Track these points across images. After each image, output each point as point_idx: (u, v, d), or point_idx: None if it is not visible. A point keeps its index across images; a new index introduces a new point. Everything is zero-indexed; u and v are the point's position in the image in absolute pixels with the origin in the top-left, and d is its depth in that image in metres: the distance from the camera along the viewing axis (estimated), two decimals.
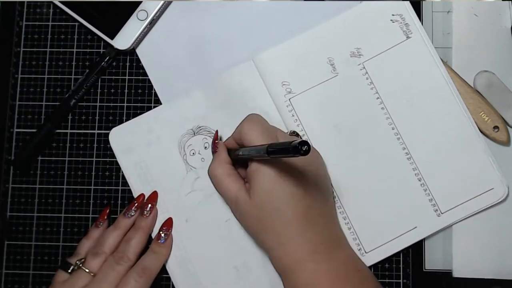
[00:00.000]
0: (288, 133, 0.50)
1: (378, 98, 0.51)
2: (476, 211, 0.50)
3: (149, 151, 0.52)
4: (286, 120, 0.52)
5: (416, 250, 0.51)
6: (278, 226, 0.44)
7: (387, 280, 0.51)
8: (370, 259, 0.50)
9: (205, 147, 0.52)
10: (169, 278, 0.51)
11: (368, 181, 0.51)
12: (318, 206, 0.45)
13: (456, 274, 0.50)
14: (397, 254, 0.51)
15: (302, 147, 0.36)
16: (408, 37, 0.52)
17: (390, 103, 0.51)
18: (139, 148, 0.52)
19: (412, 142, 0.51)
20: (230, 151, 0.48)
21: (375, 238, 0.50)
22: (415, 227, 0.50)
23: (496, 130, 0.50)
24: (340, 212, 0.50)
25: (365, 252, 0.50)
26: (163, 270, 0.51)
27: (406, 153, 0.51)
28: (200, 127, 0.52)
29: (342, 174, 0.51)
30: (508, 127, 0.51)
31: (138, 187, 0.52)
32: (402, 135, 0.51)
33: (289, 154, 0.38)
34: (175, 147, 0.52)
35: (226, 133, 0.51)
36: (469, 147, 0.50)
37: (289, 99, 0.52)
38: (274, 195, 0.44)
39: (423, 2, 0.54)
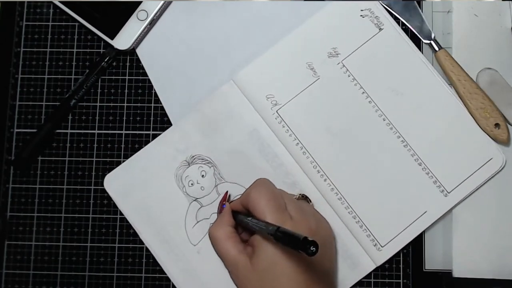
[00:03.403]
0: (297, 197, 0.50)
1: (363, 92, 0.52)
2: (481, 183, 0.50)
3: (147, 191, 0.52)
4: (277, 132, 0.52)
5: (416, 250, 0.51)
6: None
7: (387, 280, 0.51)
8: (387, 253, 0.50)
9: (202, 176, 0.52)
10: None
11: (371, 176, 0.51)
12: (320, 281, 0.45)
13: (456, 274, 0.50)
14: (397, 254, 0.51)
15: (310, 247, 0.37)
16: (380, 29, 0.52)
17: (376, 95, 0.52)
18: (136, 189, 0.52)
19: (405, 130, 0.51)
20: (236, 214, 0.48)
21: (388, 230, 0.50)
22: (425, 212, 0.50)
23: (497, 127, 0.50)
24: (348, 212, 0.50)
25: (381, 246, 0.50)
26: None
27: (402, 141, 0.51)
28: (193, 156, 0.52)
29: (344, 174, 0.51)
30: (509, 126, 0.51)
31: (143, 228, 0.51)
32: (394, 124, 0.51)
33: (295, 248, 0.38)
34: (173, 181, 0.52)
35: (221, 160, 0.52)
36: (461, 123, 0.51)
37: (277, 111, 0.52)
38: (277, 267, 0.43)
39: (423, 2, 0.54)
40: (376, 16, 0.53)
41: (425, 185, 0.51)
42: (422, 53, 0.53)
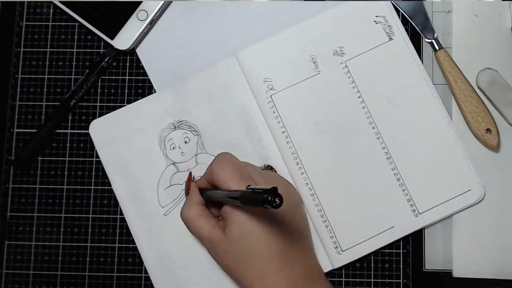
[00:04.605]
0: (262, 168, 0.50)
1: (359, 97, 0.52)
2: (454, 212, 0.50)
3: (129, 144, 0.52)
4: (267, 116, 0.52)
5: (416, 250, 0.51)
6: (256, 263, 0.44)
7: (387, 280, 0.51)
8: (346, 258, 0.50)
9: (185, 142, 0.52)
10: (148, 278, 0.51)
11: (347, 180, 0.51)
12: (295, 242, 0.45)
13: (456, 274, 0.50)
14: (397, 254, 0.51)
15: (274, 201, 0.36)
16: (390, 39, 0.52)
17: (371, 102, 0.52)
18: (118, 140, 0.52)
19: (392, 142, 0.51)
20: (202, 191, 0.48)
21: (352, 237, 0.50)
22: (392, 227, 0.50)
23: (488, 133, 0.50)
24: (318, 210, 0.51)
25: (342, 250, 0.50)
26: (145, 270, 0.51)
27: (386, 152, 0.51)
28: (181, 121, 0.52)
29: (321, 172, 0.51)
30: (500, 132, 0.51)
31: (117, 179, 0.52)
32: (382, 134, 0.51)
33: (260, 202, 0.37)
34: (155, 140, 0.52)
35: (207, 131, 0.52)
36: (448, 149, 0.51)
37: (271, 96, 0.52)
38: (250, 234, 0.43)
39: (424, 2, 0.54)
40: (389, 25, 0.52)
41: (398, 201, 0.50)
42: (422, 51, 0.53)
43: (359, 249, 0.50)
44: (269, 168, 0.50)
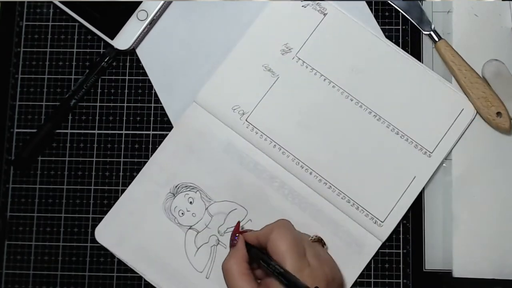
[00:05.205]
0: (312, 239, 0.48)
1: (325, 79, 0.52)
2: (458, 137, 0.51)
3: (140, 232, 0.51)
4: (252, 140, 0.52)
5: (416, 250, 0.51)
6: None
7: (387, 280, 0.51)
8: (389, 226, 0.50)
9: (190, 202, 0.51)
10: None
11: (353, 158, 0.51)
12: None
13: (456, 274, 0.50)
14: (397, 254, 0.51)
15: None
16: (324, 14, 0.53)
17: (338, 78, 0.52)
18: (129, 234, 0.51)
19: (374, 104, 0.52)
20: (249, 248, 0.46)
21: (384, 205, 0.51)
22: (415, 177, 0.51)
23: (499, 116, 0.50)
24: (342, 198, 0.51)
25: (381, 222, 0.50)
26: None
27: (374, 115, 0.52)
28: (177, 186, 0.52)
29: (327, 162, 0.51)
30: (511, 115, 0.51)
31: (146, 270, 0.51)
32: (362, 101, 0.52)
33: None
34: (163, 215, 0.51)
35: (204, 182, 0.51)
36: (424, 84, 0.52)
37: (246, 120, 0.52)
38: None
39: (423, 2, 0.54)
40: (318, 3, 0.53)
41: (407, 152, 0.51)
42: (422, 44, 0.53)
43: (396, 212, 0.51)
44: (318, 240, 0.49)
